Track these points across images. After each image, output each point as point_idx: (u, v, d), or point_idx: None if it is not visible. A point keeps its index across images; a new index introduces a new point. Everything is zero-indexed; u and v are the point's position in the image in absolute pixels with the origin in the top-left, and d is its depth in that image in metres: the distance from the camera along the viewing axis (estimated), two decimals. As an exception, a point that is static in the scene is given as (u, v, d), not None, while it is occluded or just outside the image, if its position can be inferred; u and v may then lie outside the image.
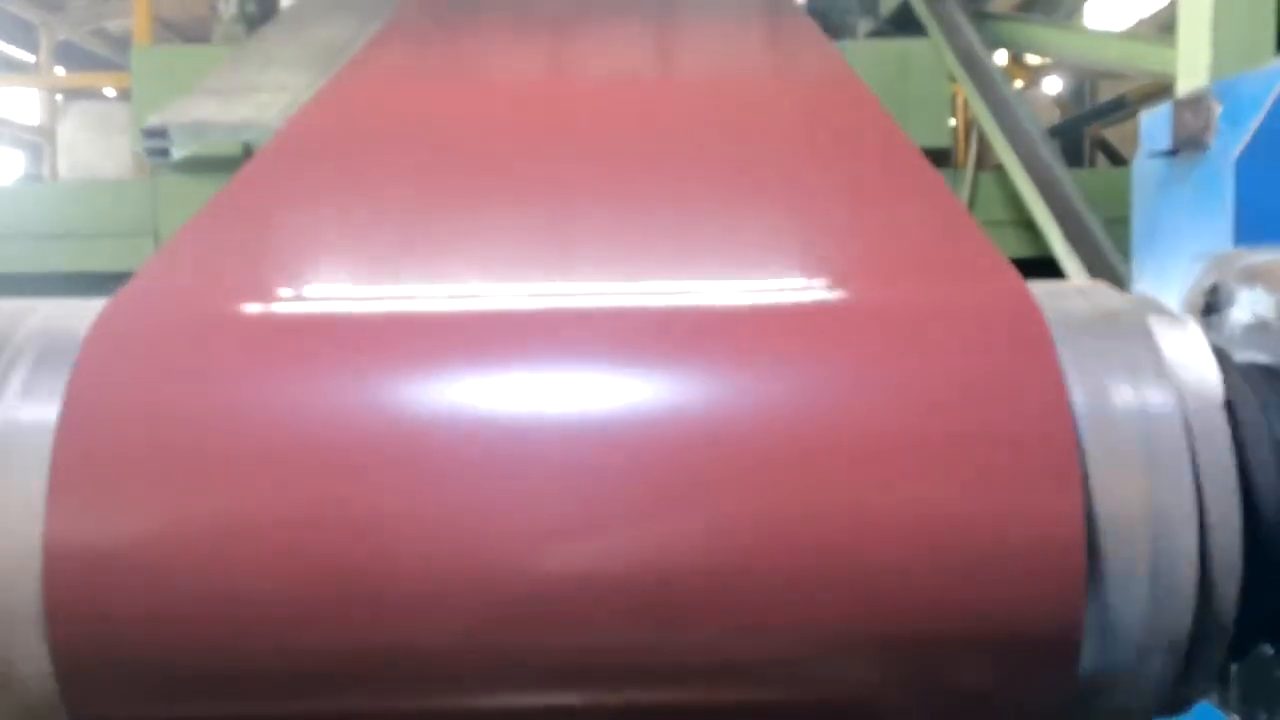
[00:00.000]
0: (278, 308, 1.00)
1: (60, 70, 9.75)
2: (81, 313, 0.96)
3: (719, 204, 1.40)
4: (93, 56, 11.08)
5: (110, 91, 6.27)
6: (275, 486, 0.86)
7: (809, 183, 1.53)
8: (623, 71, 2.24)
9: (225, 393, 0.89)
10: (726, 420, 0.91)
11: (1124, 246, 2.51)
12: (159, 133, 2.34)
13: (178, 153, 2.43)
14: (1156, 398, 0.93)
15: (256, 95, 2.46)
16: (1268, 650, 1.07)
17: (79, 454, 0.86)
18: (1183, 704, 1.00)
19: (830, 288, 1.11)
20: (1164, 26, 8.69)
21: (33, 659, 0.85)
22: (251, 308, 1.00)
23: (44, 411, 0.87)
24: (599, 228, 1.30)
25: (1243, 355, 1.13)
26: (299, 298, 1.05)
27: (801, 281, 1.15)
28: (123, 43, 11.09)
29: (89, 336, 0.92)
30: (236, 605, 0.85)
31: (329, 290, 1.11)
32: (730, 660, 0.93)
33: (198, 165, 3.52)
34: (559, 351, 0.94)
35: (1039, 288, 1.05)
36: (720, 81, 2.21)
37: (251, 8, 4.55)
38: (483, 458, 0.88)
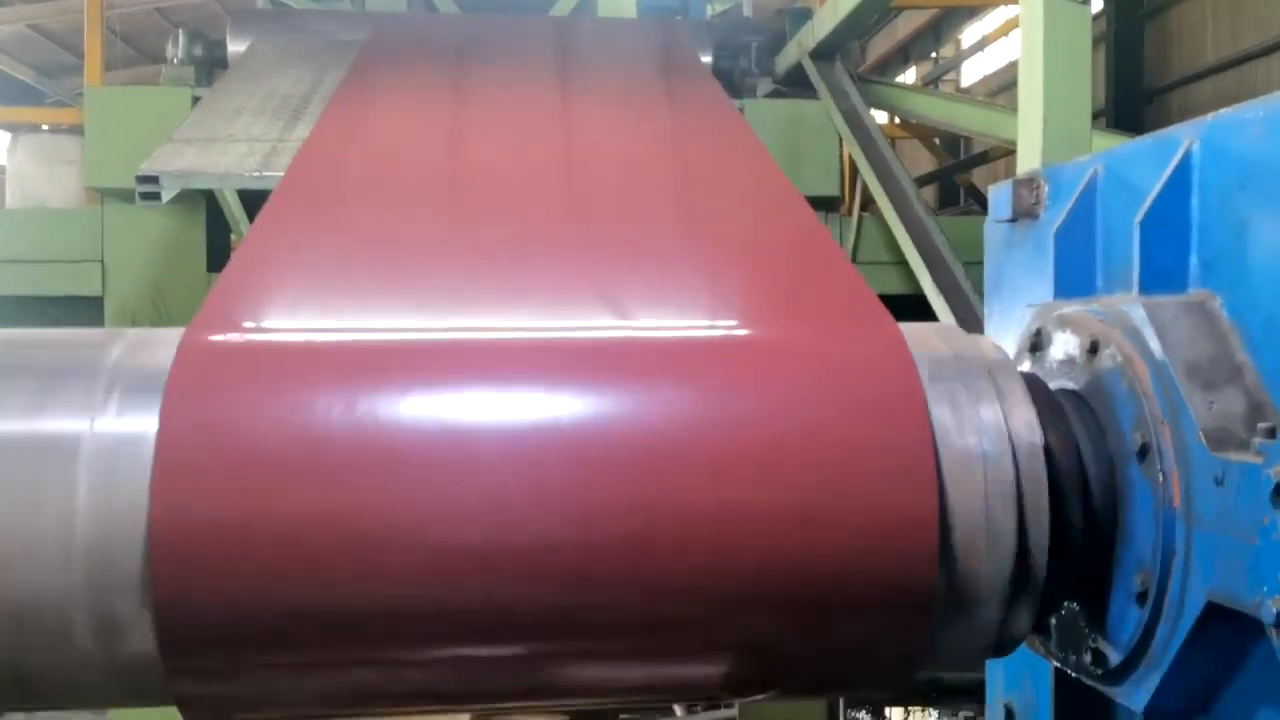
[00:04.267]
0: (308, 337, 1.22)
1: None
2: (161, 341, 1.15)
3: (640, 256, 1.63)
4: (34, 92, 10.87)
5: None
6: (314, 478, 1.07)
7: (723, 241, 1.77)
8: (546, 142, 2.42)
9: (277, 410, 1.09)
10: (647, 430, 1.14)
11: (982, 287, 2.80)
12: (151, 179, 2.46)
13: (166, 196, 2.57)
14: (990, 417, 1.18)
15: (234, 146, 2.59)
16: (1075, 607, 1.33)
17: (177, 457, 1.04)
18: (1009, 646, 1.26)
19: (738, 329, 1.36)
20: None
21: (136, 620, 1.03)
22: (290, 338, 1.22)
23: (143, 424, 1.06)
24: (543, 275, 1.51)
25: (1056, 383, 1.40)
26: (320, 329, 1.26)
27: (719, 322, 1.40)
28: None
29: (175, 366, 1.10)
30: (293, 575, 1.04)
31: (341, 323, 1.30)
32: (647, 615, 1.13)
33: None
34: (540, 376, 1.17)
35: (908, 329, 1.30)
36: (634, 146, 2.43)
37: (199, 52, 4.61)
38: (456, 458, 1.10)
